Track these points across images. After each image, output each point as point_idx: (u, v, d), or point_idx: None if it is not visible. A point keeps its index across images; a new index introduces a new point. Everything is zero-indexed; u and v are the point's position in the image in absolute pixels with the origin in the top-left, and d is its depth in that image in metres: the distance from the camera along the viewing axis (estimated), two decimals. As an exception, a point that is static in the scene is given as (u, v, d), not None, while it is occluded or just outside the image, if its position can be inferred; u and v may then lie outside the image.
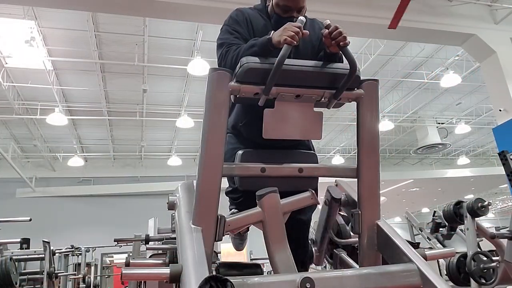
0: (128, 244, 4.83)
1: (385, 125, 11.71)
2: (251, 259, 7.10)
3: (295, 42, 1.40)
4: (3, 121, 10.62)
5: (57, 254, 5.85)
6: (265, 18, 1.82)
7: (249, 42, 1.60)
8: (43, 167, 13.25)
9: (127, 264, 1.87)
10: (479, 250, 3.08)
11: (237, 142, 1.84)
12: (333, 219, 2.00)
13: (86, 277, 6.86)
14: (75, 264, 7.70)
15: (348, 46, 1.45)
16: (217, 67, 1.48)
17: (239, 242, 2.18)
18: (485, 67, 8.01)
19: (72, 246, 6.88)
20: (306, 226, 2.00)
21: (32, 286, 4.64)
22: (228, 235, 2.15)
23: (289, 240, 1.60)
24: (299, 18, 1.47)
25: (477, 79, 10.42)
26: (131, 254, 4.63)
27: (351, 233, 2.09)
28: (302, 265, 1.92)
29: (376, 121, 1.59)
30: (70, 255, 7.09)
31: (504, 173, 3.67)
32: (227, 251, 6.65)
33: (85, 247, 7.37)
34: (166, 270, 1.23)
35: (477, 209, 3.10)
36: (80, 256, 7.38)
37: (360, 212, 1.57)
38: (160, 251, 3.26)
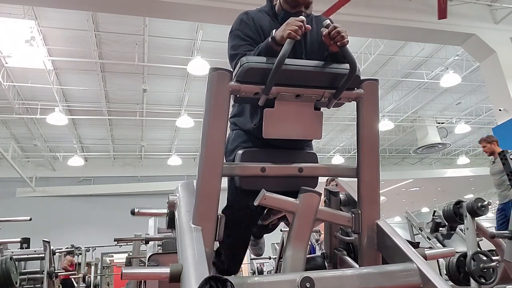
0: (128, 243, 4.84)
1: (385, 125, 11.71)
2: (250, 259, 7.11)
3: (298, 37, 1.40)
4: (3, 121, 10.62)
5: (57, 254, 5.85)
6: (272, 18, 1.77)
7: (255, 50, 1.58)
8: (43, 167, 13.24)
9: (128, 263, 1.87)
10: (479, 249, 3.08)
11: (251, 143, 1.75)
12: None
13: (86, 276, 6.87)
14: (75, 264, 7.71)
15: (348, 46, 1.43)
16: (217, 66, 1.47)
17: (257, 247, 2.22)
18: (485, 67, 8.00)
19: (72, 246, 6.89)
20: None
21: (32, 286, 4.63)
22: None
23: None
24: (299, 17, 1.46)
25: (477, 79, 10.42)
26: (131, 254, 4.64)
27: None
28: None
29: (376, 121, 1.59)
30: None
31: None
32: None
33: (85, 247, 7.39)
34: (166, 270, 1.23)
35: (477, 209, 3.10)
36: (80, 256, 7.40)
37: (360, 211, 1.57)
38: (160, 251, 3.26)
